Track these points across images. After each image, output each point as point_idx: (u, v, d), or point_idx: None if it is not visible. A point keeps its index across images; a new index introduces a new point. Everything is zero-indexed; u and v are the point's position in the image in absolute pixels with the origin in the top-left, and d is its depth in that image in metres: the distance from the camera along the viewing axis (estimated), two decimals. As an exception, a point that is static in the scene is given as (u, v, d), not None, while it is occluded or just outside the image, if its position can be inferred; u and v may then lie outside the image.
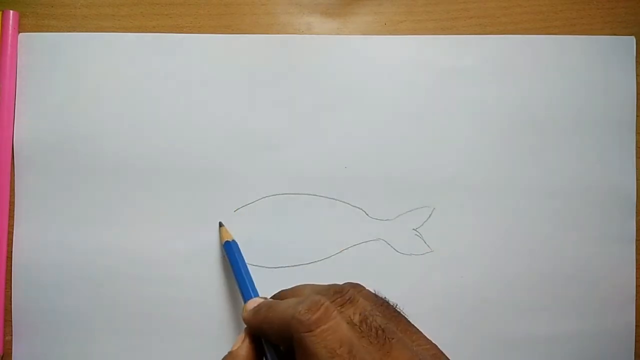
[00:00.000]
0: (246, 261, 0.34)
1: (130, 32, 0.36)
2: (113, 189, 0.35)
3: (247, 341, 0.27)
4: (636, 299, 0.36)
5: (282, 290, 0.29)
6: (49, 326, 0.35)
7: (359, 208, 0.35)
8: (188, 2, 0.36)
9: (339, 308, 0.23)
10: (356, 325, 0.22)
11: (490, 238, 0.36)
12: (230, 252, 0.33)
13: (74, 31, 0.36)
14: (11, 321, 0.35)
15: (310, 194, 0.35)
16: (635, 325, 0.36)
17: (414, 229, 0.36)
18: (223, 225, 0.35)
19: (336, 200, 0.35)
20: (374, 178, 0.36)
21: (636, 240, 0.36)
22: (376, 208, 0.35)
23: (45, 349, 0.35)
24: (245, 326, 0.28)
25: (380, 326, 0.22)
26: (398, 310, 0.25)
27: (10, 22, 0.35)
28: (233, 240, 0.34)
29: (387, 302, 0.25)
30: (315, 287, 0.27)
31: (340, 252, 0.35)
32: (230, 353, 0.27)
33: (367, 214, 0.35)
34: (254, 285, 0.31)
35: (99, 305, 0.35)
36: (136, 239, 0.35)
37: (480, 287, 0.35)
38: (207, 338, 0.35)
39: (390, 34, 0.36)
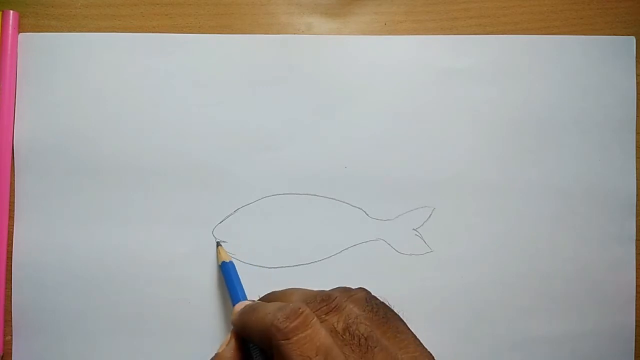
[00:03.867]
0: (248, 262, 0.34)
1: (130, 32, 0.36)
2: (113, 189, 0.35)
3: (232, 342, 0.27)
4: (636, 299, 0.36)
5: (272, 292, 0.30)
6: (49, 326, 0.35)
7: (359, 208, 0.35)
8: (188, 2, 0.36)
9: (323, 316, 0.23)
10: (339, 333, 0.23)
11: (490, 238, 0.36)
12: (227, 273, 0.33)
13: (74, 31, 0.36)
14: (11, 321, 0.35)
15: (310, 194, 0.35)
16: (635, 325, 0.36)
17: (414, 229, 0.36)
18: (221, 245, 0.35)
19: (336, 200, 0.35)
20: (374, 178, 0.36)
21: (636, 240, 0.36)
22: (376, 208, 0.35)
23: (45, 349, 0.35)
24: (232, 328, 0.28)
25: (363, 334, 0.22)
26: (390, 315, 0.25)
27: (10, 22, 0.35)
28: (230, 262, 0.34)
29: (378, 307, 0.25)
30: (305, 293, 0.27)
31: (340, 252, 0.35)
32: (216, 355, 0.27)
33: (367, 214, 0.36)
34: (246, 297, 0.32)
35: (99, 305, 0.35)
36: (136, 239, 0.35)
37: (481, 287, 0.35)
38: (206, 338, 0.35)
39: (390, 34, 0.36)
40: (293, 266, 0.35)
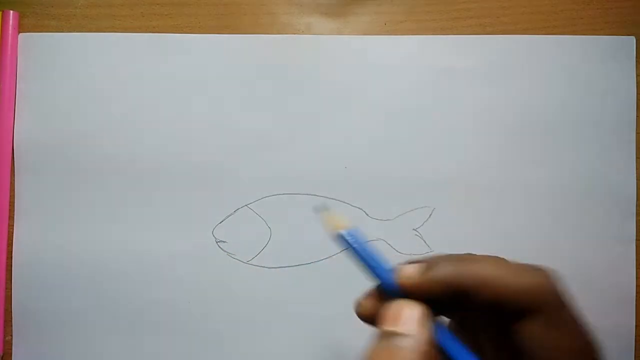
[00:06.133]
0: (248, 262, 0.34)
1: (130, 32, 0.36)
2: (113, 189, 0.35)
3: (422, 316, 0.20)
4: (636, 299, 0.36)
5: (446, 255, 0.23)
6: (49, 326, 0.35)
7: (359, 208, 0.35)
8: (188, 2, 0.36)
9: None
10: None
11: (490, 238, 0.36)
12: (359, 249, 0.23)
13: (74, 31, 0.36)
14: (11, 321, 0.35)
15: (310, 194, 0.35)
16: (635, 325, 0.36)
17: (414, 229, 0.36)
18: (326, 209, 0.24)
19: (336, 200, 0.35)
20: (374, 178, 0.36)
21: (636, 240, 0.36)
22: (376, 208, 0.35)
23: (45, 349, 0.35)
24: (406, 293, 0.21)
25: None
26: None
27: (10, 22, 0.35)
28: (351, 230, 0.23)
29: None
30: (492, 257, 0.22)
31: (340, 252, 0.35)
32: (395, 343, 0.19)
33: (367, 214, 0.35)
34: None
35: (99, 305, 0.35)
36: (136, 239, 0.35)
37: (480, 287, 0.35)
38: (206, 338, 0.35)
39: (390, 34, 0.36)
40: (293, 266, 0.35)
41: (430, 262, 0.21)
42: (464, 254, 0.22)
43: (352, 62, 0.36)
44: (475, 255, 0.22)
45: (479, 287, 0.20)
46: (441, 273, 0.21)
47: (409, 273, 0.21)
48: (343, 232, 0.23)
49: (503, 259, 0.22)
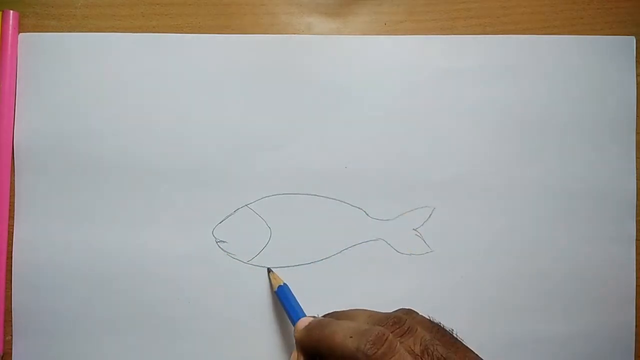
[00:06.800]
0: (248, 262, 0.34)
1: (130, 32, 0.36)
2: (113, 188, 0.35)
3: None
4: (636, 299, 0.36)
5: (334, 312, 0.29)
6: (49, 326, 0.35)
7: (359, 208, 0.35)
8: (188, 2, 0.36)
9: (399, 339, 0.24)
10: (418, 356, 0.23)
11: (490, 238, 0.36)
12: (284, 295, 0.33)
13: (74, 31, 0.36)
14: (11, 321, 0.35)
15: (310, 194, 0.35)
16: (635, 325, 0.36)
17: (414, 229, 0.36)
18: (272, 271, 0.34)
19: (336, 200, 0.35)
20: (374, 178, 0.36)
21: (636, 240, 0.36)
22: (376, 208, 0.35)
23: (45, 349, 0.35)
24: (297, 345, 0.28)
25: (442, 356, 0.23)
26: (453, 337, 0.25)
27: (10, 22, 0.35)
28: (285, 284, 0.33)
29: (444, 329, 0.26)
30: (372, 315, 0.27)
31: (340, 252, 0.35)
32: None
33: (367, 214, 0.36)
34: (305, 314, 0.31)
35: (99, 305, 0.35)
36: (136, 238, 0.35)
37: (481, 287, 0.35)
38: (207, 338, 0.35)
39: (390, 34, 0.36)
40: (293, 266, 0.35)
41: (313, 321, 0.28)
42: (342, 313, 0.28)
43: (352, 62, 0.36)
44: (343, 316, 0.27)
45: (329, 349, 0.24)
46: (301, 336, 0.27)
47: (297, 327, 0.28)
48: (277, 288, 0.33)
49: (367, 315, 0.27)
